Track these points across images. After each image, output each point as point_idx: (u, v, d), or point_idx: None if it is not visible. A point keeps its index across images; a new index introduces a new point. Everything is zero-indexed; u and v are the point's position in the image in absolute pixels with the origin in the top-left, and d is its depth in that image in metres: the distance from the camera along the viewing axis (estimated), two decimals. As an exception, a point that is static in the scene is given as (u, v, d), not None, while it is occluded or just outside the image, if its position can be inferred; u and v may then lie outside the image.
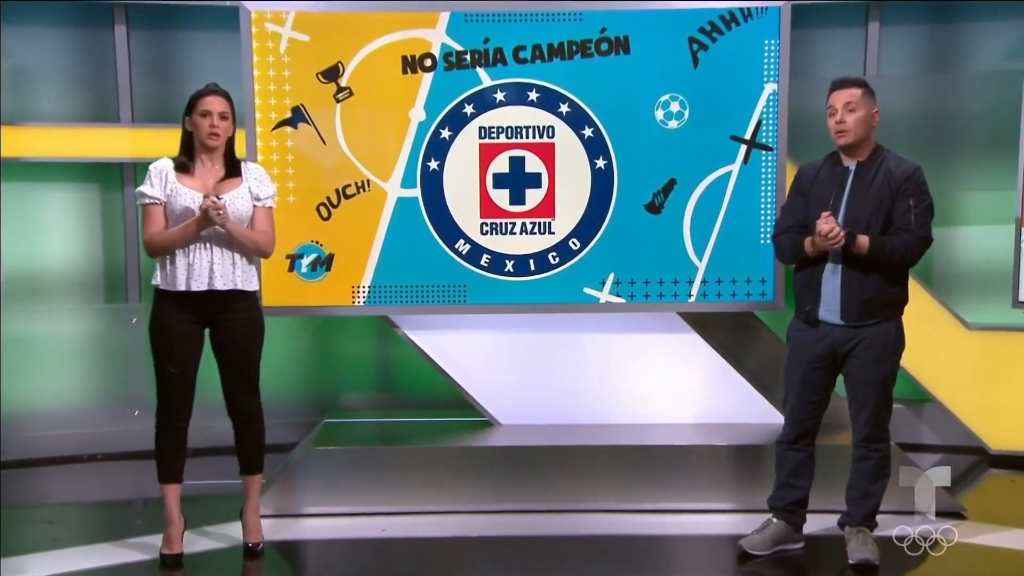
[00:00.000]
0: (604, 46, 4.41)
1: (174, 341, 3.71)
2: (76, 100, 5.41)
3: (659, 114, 4.44)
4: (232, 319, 3.75)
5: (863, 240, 3.60)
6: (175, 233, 3.65)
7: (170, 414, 3.76)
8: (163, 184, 3.68)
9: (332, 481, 4.38)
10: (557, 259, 4.51)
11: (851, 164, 3.73)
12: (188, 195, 3.66)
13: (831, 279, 3.71)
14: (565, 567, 3.90)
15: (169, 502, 3.82)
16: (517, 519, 4.30)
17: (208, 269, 3.67)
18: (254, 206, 3.78)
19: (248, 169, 3.83)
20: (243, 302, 3.77)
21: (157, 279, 3.71)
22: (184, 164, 3.72)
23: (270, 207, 3.84)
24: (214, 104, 3.69)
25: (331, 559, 4.07)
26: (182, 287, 3.66)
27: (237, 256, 3.73)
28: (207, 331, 3.79)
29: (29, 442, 5.29)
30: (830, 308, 3.73)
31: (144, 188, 3.70)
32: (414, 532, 4.18)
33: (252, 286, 3.80)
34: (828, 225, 3.59)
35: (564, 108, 4.44)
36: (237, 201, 3.72)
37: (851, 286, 3.67)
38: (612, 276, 4.51)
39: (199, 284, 3.66)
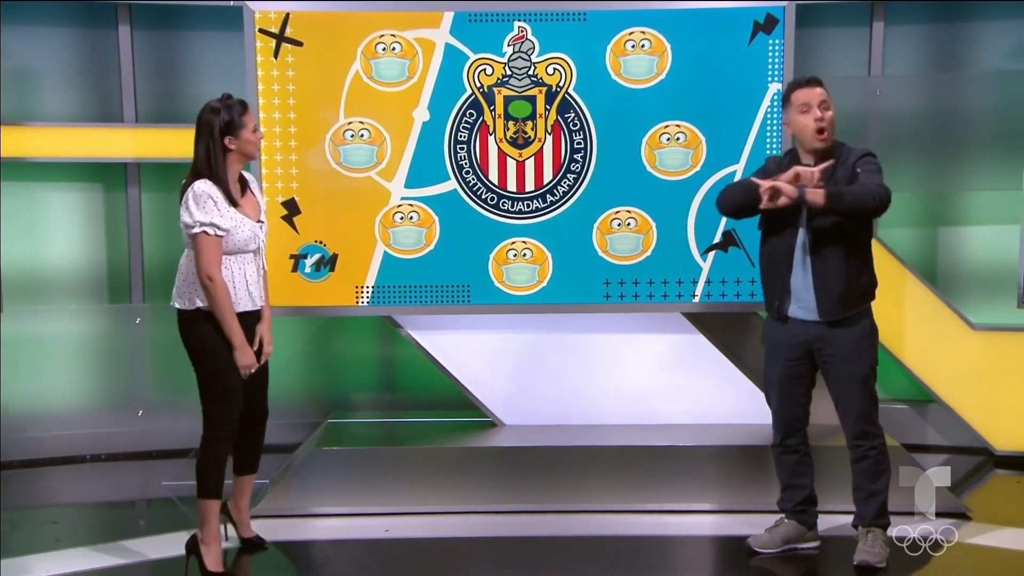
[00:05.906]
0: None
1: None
2: (79, 100, 5.41)
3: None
4: (255, 327, 3.74)
5: (815, 193, 3.41)
6: (228, 315, 3.55)
7: (233, 425, 3.65)
8: (230, 213, 3.59)
9: (336, 481, 4.38)
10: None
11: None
12: (247, 224, 3.64)
13: (800, 275, 3.63)
14: (569, 568, 3.90)
15: (215, 518, 3.65)
16: (521, 520, 4.29)
17: (258, 291, 3.74)
18: None
19: (250, 180, 3.79)
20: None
21: (206, 303, 3.58)
22: (231, 195, 3.61)
23: None
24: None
25: (335, 559, 4.07)
26: (249, 307, 3.67)
27: None
28: None
29: (32, 442, 5.29)
30: (804, 306, 3.65)
31: (213, 219, 3.52)
32: (418, 532, 4.18)
33: None
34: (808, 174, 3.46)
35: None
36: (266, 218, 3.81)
37: (825, 280, 3.58)
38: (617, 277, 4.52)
39: (252, 305, 3.70)
